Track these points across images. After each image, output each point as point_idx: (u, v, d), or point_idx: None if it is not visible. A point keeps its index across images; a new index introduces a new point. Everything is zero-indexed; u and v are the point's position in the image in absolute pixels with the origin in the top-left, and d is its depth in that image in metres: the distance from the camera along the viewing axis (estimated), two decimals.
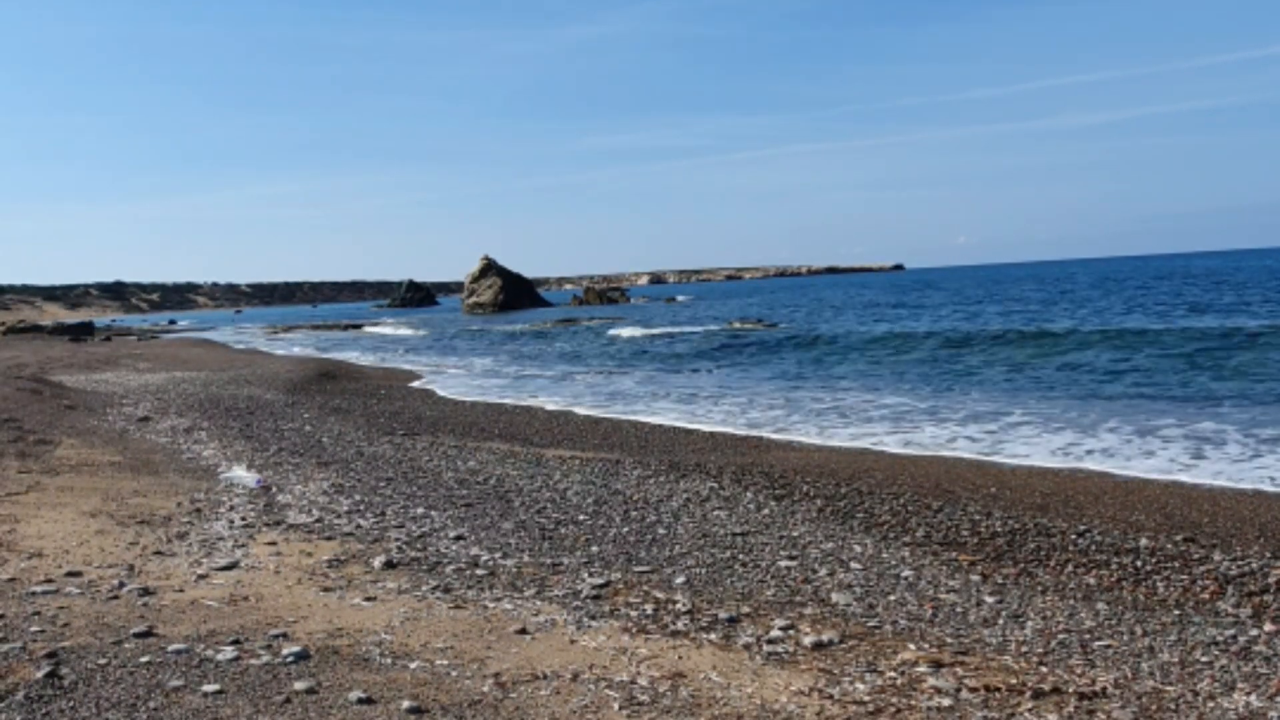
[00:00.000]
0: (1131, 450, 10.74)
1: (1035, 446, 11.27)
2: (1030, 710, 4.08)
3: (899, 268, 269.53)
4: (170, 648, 4.50)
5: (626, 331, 38.69)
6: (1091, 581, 6.16)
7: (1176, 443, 11.05)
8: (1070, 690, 4.30)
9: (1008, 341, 24.44)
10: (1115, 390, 15.82)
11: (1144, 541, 6.87)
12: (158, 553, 6.41)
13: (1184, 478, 9.33)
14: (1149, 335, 23.21)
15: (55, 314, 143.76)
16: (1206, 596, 5.79)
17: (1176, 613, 5.54)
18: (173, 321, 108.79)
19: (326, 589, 5.68)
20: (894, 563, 6.61)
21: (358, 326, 63.59)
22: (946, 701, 4.14)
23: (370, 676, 4.25)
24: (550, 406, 17.05)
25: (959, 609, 5.62)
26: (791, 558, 6.71)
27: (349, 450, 11.56)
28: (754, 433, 13.26)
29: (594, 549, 6.93)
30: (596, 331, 41.50)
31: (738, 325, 39.44)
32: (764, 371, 22.08)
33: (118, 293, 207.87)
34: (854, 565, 6.53)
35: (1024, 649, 4.94)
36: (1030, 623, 5.37)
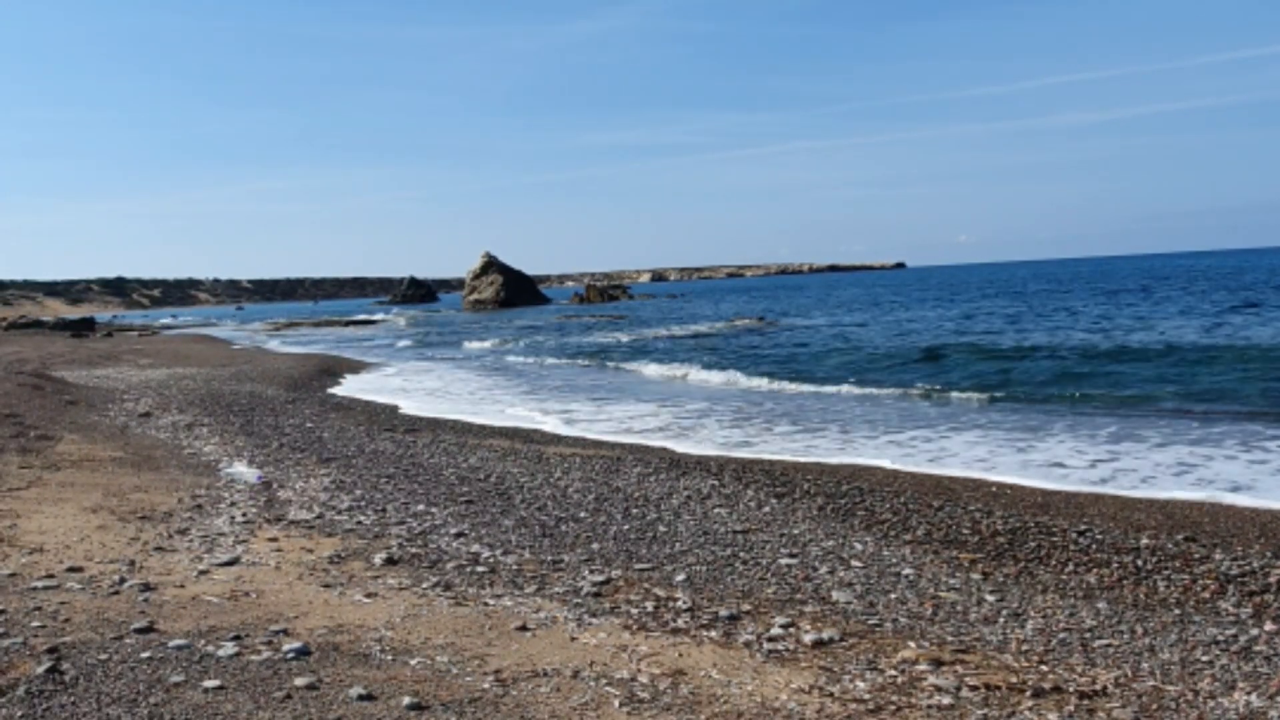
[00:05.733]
0: None
1: None
2: (1031, 709, 4.07)
3: (900, 266, 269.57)
4: (171, 643, 4.51)
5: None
6: (1092, 580, 6.16)
7: None
8: (1071, 689, 4.30)
9: None
10: None
11: (1145, 540, 6.87)
12: (159, 548, 6.41)
13: None
14: None
15: (57, 309, 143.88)
16: (1207, 596, 5.79)
17: (1177, 612, 5.54)
18: (174, 317, 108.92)
19: (327, 585, 5.69)
20: (894, 561, 6.61)
21: (359, 323, 63.64)
22: (947, 700, 4.14)
23: (371, 673, 4.25)
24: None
25: (959, 607, 5.62)
26: (792, 555, 6.71)
27: (350, 447, 11.56)
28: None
29: (594, 546, 6.93)
30: None
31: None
32: None
33: (119, 288, 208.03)
34: (855, 563, 6.53)
35: (1025, 647, 4.94)
36: (1031, 621, 5.37)
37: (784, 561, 6.55)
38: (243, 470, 9.51)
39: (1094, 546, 6.80)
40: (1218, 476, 9.08)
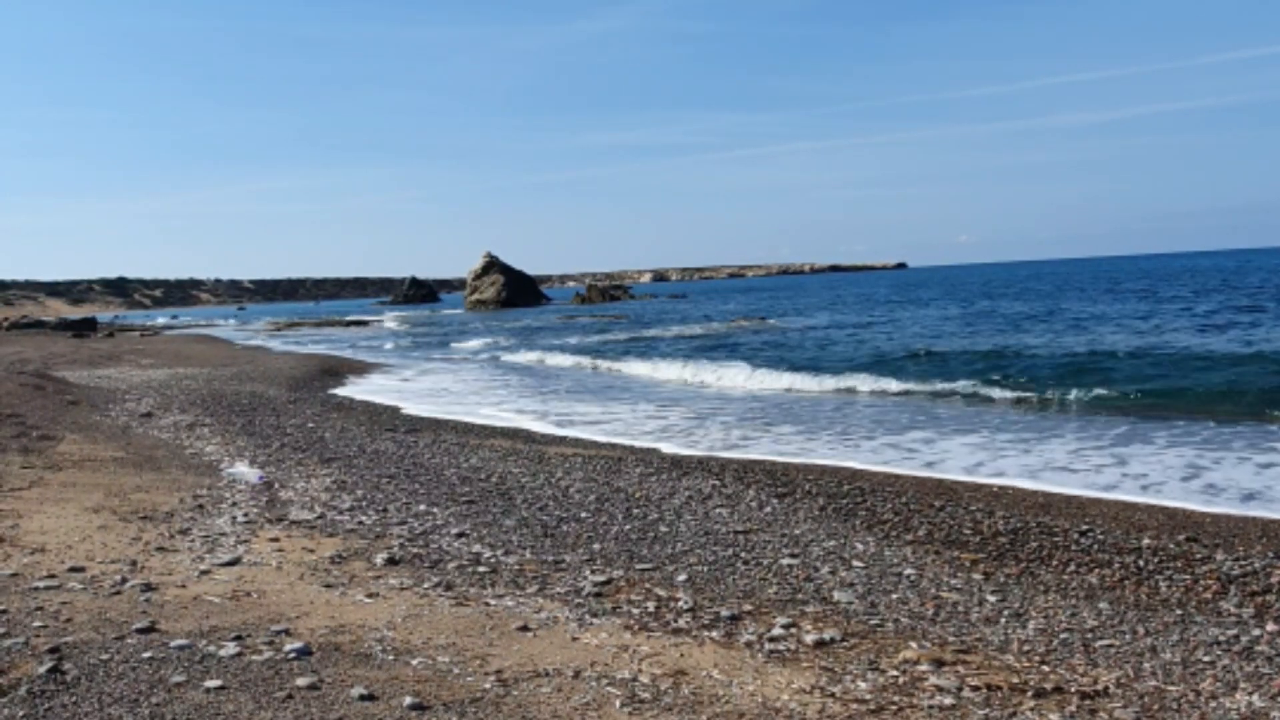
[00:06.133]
0: None
1: None
2: (1032, 709, 4.07)
3: (902, 266, 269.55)
4: (172, 643, 4.51)
5: None
6: (1094, 580, 6.15)
7: None
8: (1072, 689, 4.30)
9: None
10: None
11: (1146, 541, 6.87)
12: (160, 548, 6.41)
13: None
14: None
15: (58, 309, 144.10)
16: (1209, 596, 5.78)
17: (1179, 612, 5.54)
18: (174, 317, 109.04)
19: (329, 585, 5.69)
20: (896, 561, 6.60)
21: (360, 323, 63.68)
22: (948, 700, 4.14)
23: (372, 673, 4.25)
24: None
25: (961, 607, 5.62)
26: (793, 556, 6.71)
27: (351, 447, 11.56)
28: None
29: (596, 546, 6.93)
30: None
31: None
32: None
33: (121, 289, 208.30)
34: (856, 563, 6.53)
35: (1026, 648, 4.94)
36: (1032, 621, 5.37)
37: (785, 562, 6.55)
38: (244, 470, 9.52)
39: (1096, 547, 6.79)
40: (1229, 483, 8.89)
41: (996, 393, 15.77)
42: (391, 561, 6.27)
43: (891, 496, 8.48)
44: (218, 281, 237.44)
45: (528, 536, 7.17)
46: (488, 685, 4.16)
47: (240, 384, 19.96)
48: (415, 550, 6.61)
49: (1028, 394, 15.47)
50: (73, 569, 5.78)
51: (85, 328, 50.19)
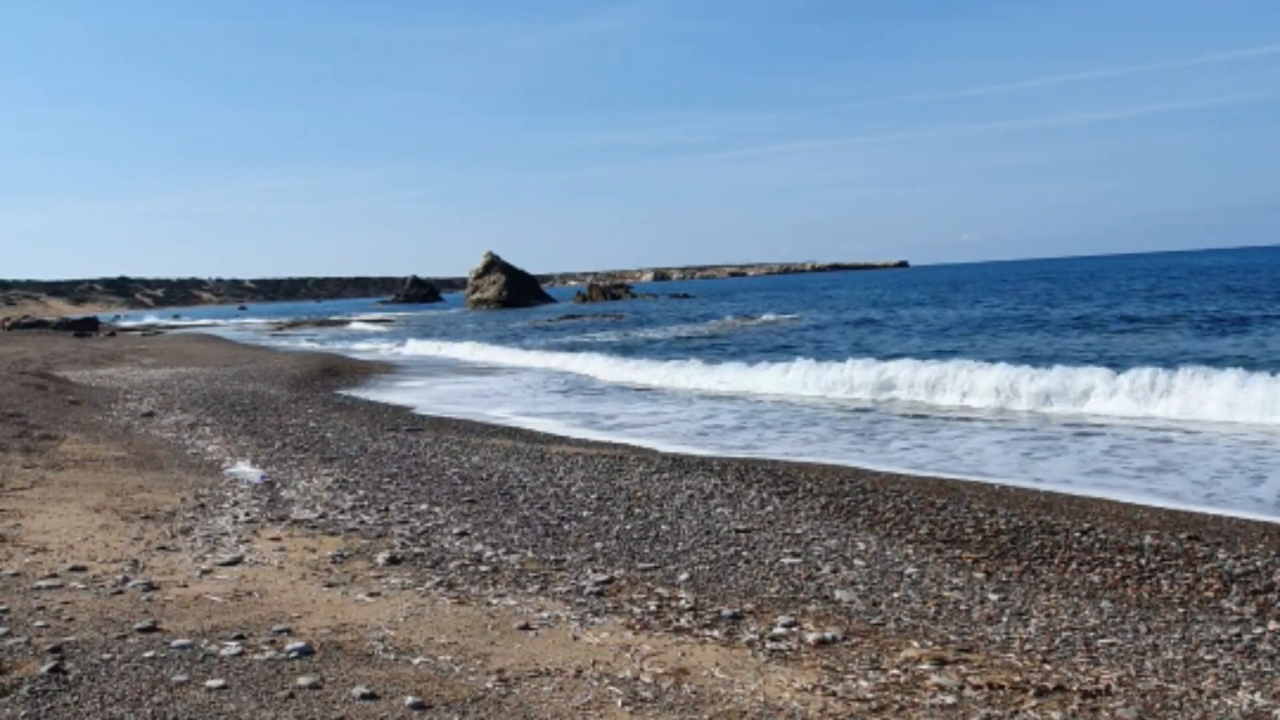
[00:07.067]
0: None
1: None
2: (1034, 708, 4.07)
3: (904, 265, 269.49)
4: (174, 643, 4.51)
5: None
6: (1095, 579, 6.15)
7: None
8: (1074, 688, 4.29)
9: None
10: None
11: (1148, 539, 6.86)
12: (162, 548, 6.42)
13: None
14: None
15: (60, 309, 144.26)
16: (1210, 595, 5.78)
17: (1180, 611, 5.53)
18: (177, 317, 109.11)
19: (330, 585, 5.69)
20: (897, 560, 6.60)
21: (360, 323, 63.76)
22: (950, 699, 4.13)
23: (373, 672, 4.25)
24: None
25: (962, 606, 5.62)
26: (795, 555, 6.70)
27: (353, 446, 11.57)
28: None
29: (597, 545, 6.93)
30: None
31: None
32: None
33: (122, 288, 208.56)
34: (857, 562, 6.52)
35: (1028, 647, 4.93)
36: (1034, 620, 5.36)
37: (787, 560, 6.55)
38: (246, 470, 9.53)
39: (1097, 545, 6.78)
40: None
41: (1012, 396, 15.63)
42: (393, 561, 6.27)
43: (893, 495, 8.48)
44: (219, 281, 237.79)
45: (529, 536, 7.17)
46: (489, 684, 4.16)
47: (241, 383, 19.98)
48: (417, 549, 6.61)
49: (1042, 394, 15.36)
50: (74, 568, 5.78)
51: (87, 327, 50.23)
